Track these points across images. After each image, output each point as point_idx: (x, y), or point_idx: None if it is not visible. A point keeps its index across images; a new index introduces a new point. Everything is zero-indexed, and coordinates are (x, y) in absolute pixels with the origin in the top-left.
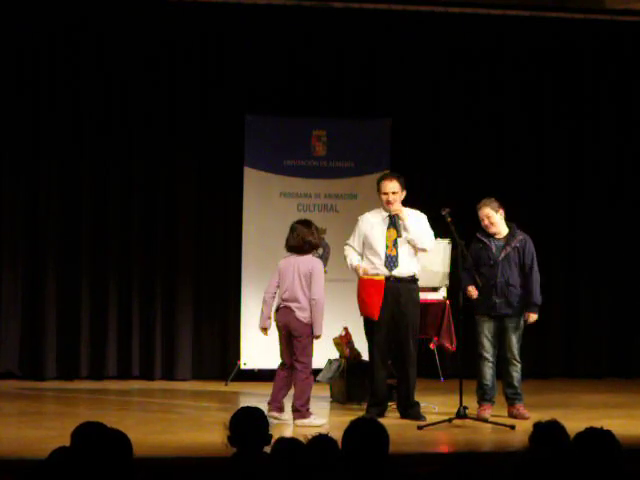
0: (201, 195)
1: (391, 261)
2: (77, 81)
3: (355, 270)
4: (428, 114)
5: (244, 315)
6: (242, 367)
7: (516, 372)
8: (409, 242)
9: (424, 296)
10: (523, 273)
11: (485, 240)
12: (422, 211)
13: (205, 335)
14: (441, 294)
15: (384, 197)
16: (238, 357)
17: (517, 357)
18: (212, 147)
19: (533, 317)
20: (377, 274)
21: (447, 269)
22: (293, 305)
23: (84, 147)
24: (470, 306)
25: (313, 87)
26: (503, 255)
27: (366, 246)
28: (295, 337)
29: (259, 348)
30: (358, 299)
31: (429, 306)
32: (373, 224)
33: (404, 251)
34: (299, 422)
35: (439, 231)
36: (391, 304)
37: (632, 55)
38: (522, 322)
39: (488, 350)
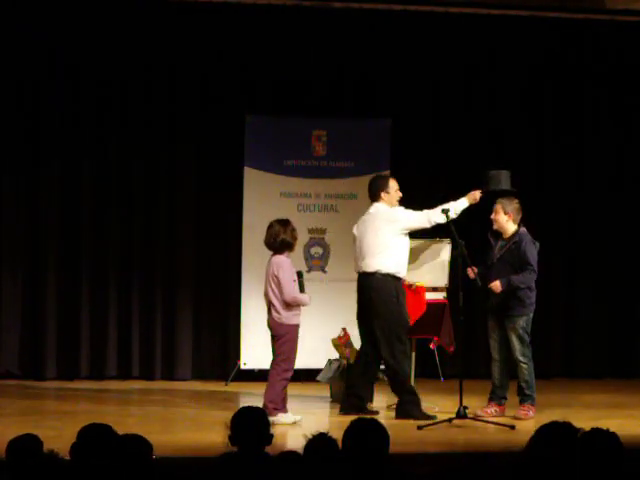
0: (201, 195)
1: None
2: (77, 81)
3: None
4: (428, 114)
5: (244, 315)
6: (242, 367)
7: (521, 372)
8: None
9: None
10: (516, 273)
11: (492, 240)
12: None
13: (205, 335)
14: (441, 294)
15: (398, 194)
16: (238, 357)
17: (521, 357)
18: (212, 147)
19: (496, 284)
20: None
21: (447, 269)
22: (271, 307)
23: (84, 146)
24: (470, 306)
25: (313, 87)
26: (498, 256)
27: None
28: (273, 336)
29: (259, 348)
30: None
31: (429, 306)
32: None
33: None
34: None
35: (439, 231)
36: None
37: (632, 55)
38: (523, 322)
39: (493, 349)
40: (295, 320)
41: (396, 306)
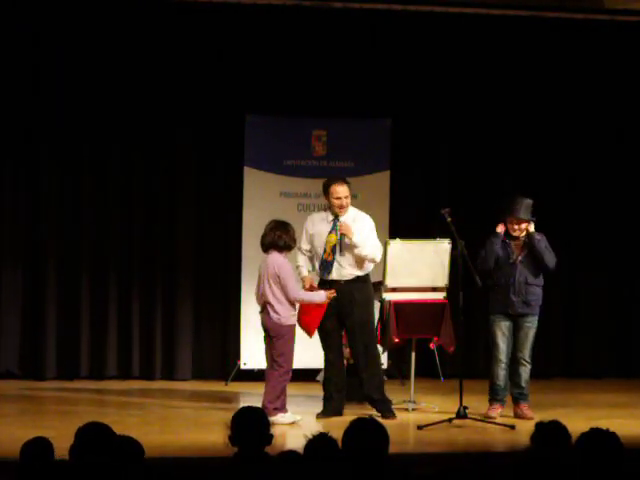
0: (201, 195)
1: (325, 266)
2: (77, 81)
3: (302, 281)
4: (428, 114)
5: (244, 315)
6: (242, 367)
7: (525, 372)
8: (354, 249)
9: (424, 296)
10: (541, 268)
11: (506, 238)
12: (422, 211)
13: (205, 335)
14: (441, 294)
15: (337, 202)
16: (238, 357)
17: (527, 358)
18: (212, 147)
19: (531, 226)
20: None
21: (447, 269)
22: (268, 307)
23: (84, 146)
24: (470, 306)
25: (313, 87)
26: (523, 254)
27: (311, 246)
28: (271, 337)
29: (259, 348)
30: (300, 310)
31: (428, 306)
32: (318, 226)
33: (343, 258)
34: None
35: (439, 231)
36: (334, 307)
37: (632, 55)
38: (537, 323)
39: (503, 351)
40: (292, 320)
41: None
